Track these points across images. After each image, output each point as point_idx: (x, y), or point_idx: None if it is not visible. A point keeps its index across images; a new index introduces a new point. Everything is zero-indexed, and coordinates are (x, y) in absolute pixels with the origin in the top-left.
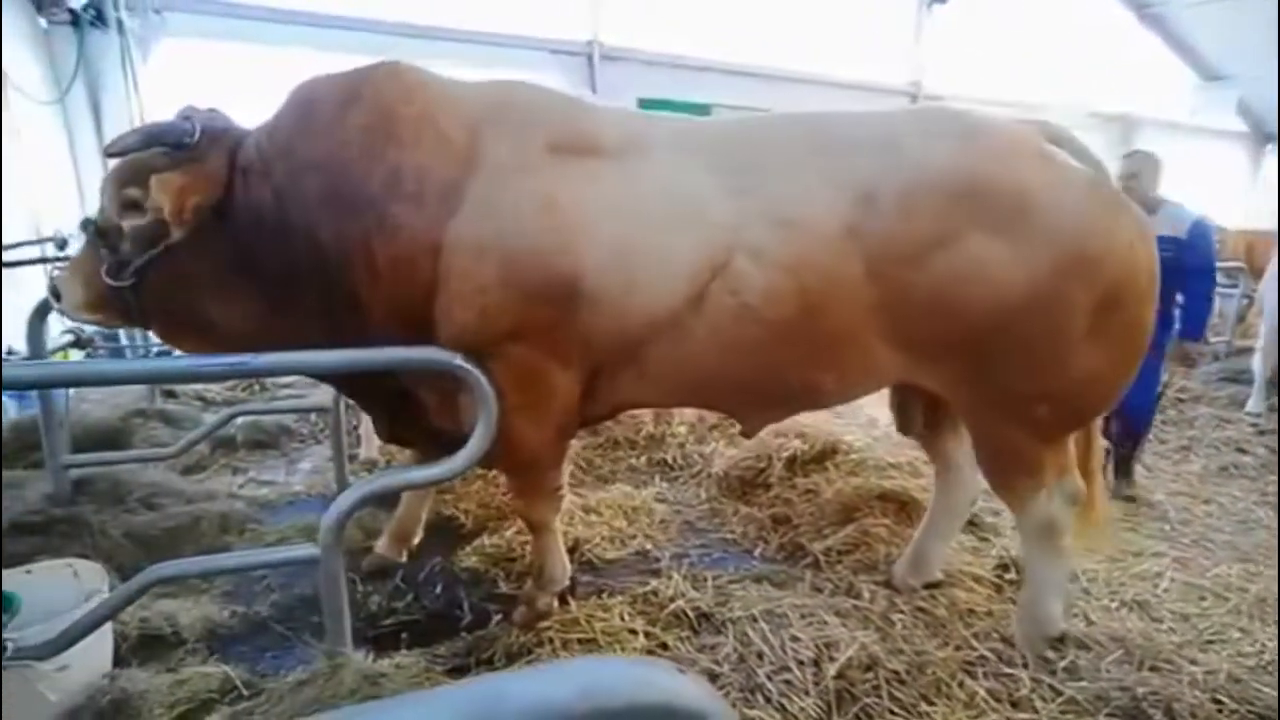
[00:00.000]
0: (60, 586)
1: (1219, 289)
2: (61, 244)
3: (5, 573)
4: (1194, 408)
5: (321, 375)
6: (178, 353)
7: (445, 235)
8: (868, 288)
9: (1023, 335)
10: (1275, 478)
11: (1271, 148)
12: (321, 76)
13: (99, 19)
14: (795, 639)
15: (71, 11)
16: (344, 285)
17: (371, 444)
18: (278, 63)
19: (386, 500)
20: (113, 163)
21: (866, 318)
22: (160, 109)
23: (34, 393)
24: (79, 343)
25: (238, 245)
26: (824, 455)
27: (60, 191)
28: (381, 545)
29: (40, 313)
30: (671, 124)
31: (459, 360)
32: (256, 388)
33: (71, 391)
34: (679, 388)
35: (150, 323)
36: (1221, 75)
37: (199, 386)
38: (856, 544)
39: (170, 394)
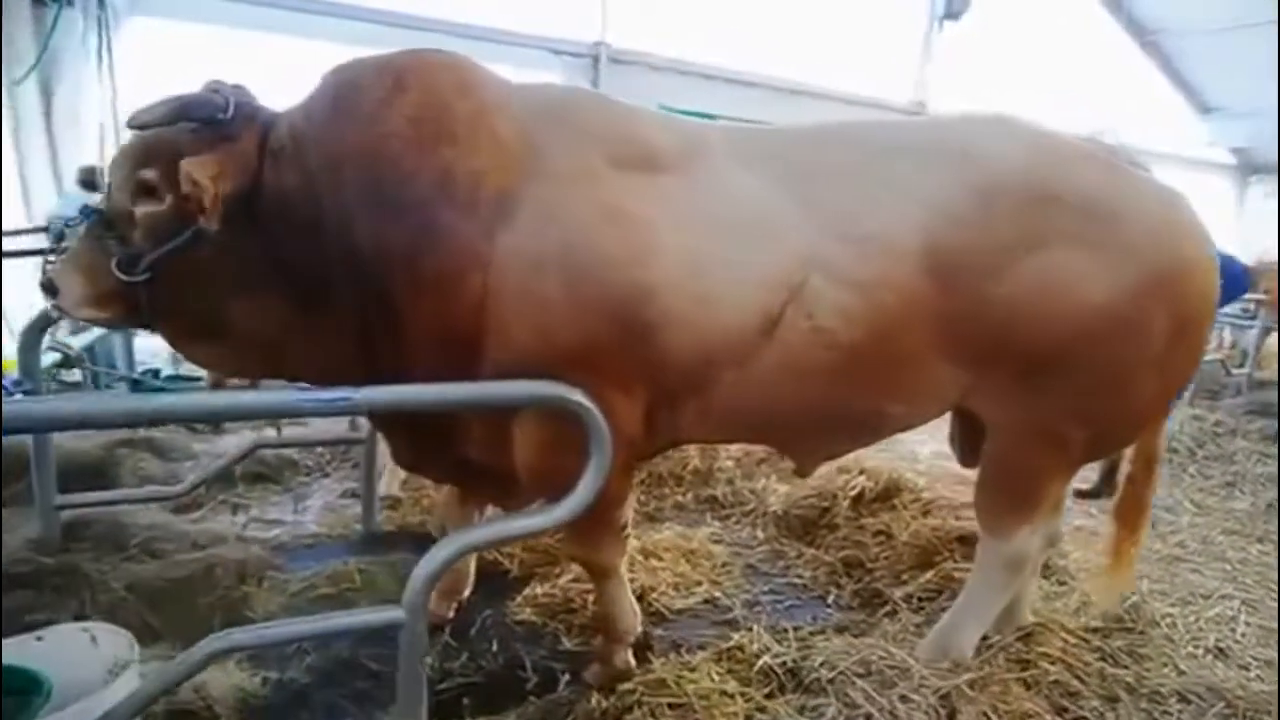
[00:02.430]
0: (80, 656)
1: (1239, 321)
2: (59, 235)
3: (12, 643)
4: (1231, 441)
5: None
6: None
7: (498, 247)
8: (941, 303)
9: (1094, 355)
10: None
11: (1257, 179)
12: (361, 58)
13: None
14: (905, 699)
15: None
16: (380, 295)
17: (395, 479)
18: (259, 48)
19: (418, 542)
20: (117, 140)
21: (936, 336)
22: (128, 92)
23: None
24: (67, 361)
25: (264, 239)
26: (888, 493)
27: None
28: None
29: (37, 328)
30: (729, 131)
31: (578, 396)
32: None
33: None
34: (744, 420)
35: (160, 324)
36: (1213, 107)
37: None
38: (939, 590)
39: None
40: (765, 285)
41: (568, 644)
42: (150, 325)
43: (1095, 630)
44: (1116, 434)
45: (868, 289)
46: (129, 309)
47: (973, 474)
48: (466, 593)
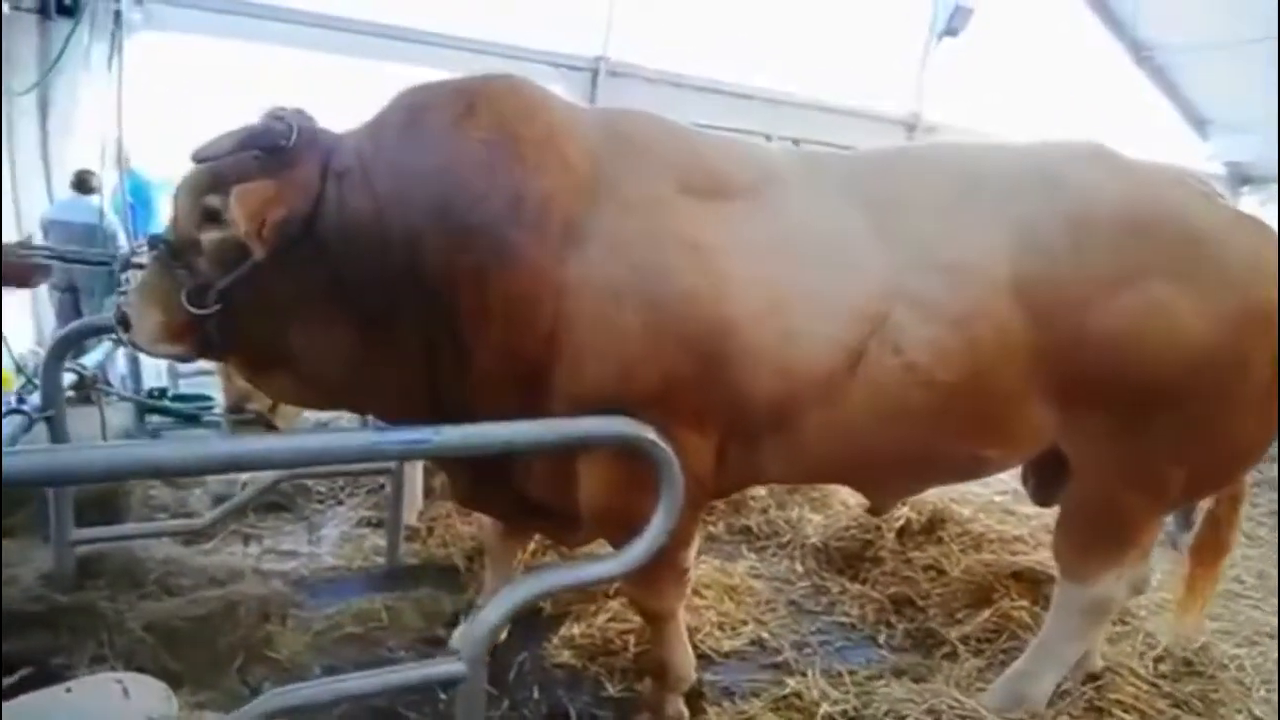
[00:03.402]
0: (113, 712)
1: None
2: (125, 263)
3: (40, 696)
4: (1269, 469)
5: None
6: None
7: (569, 274)
8: (1035, 337)
9: (1193, 392)
10: None
11: (1250, 189)
12: (427, 83)
13: (68, 9)
14: None
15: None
16: (448, 321)
17: (412, 508)
18: (268, 61)
19: (444, 576)
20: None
21: (1031, 373)
22: (136, 106)
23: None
24: (81, 383)
25: (328, 265)
26: (933, 526)
27: None
28: (458, 637)
29: (57, 353)
30: (800, 156)
31: (651, 434)
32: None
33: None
34: (825, 461)
35: (232, 355)
36: (1210, 121)
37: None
38: (997, 630)
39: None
40: (847, 318)
41: (611, 689)
42: (221, 357)
43: (1165, 675)
44: (1215, 474)
45: (959, 322)
46: (201, 341)
47: (1021, 507)
48: (503, 634)
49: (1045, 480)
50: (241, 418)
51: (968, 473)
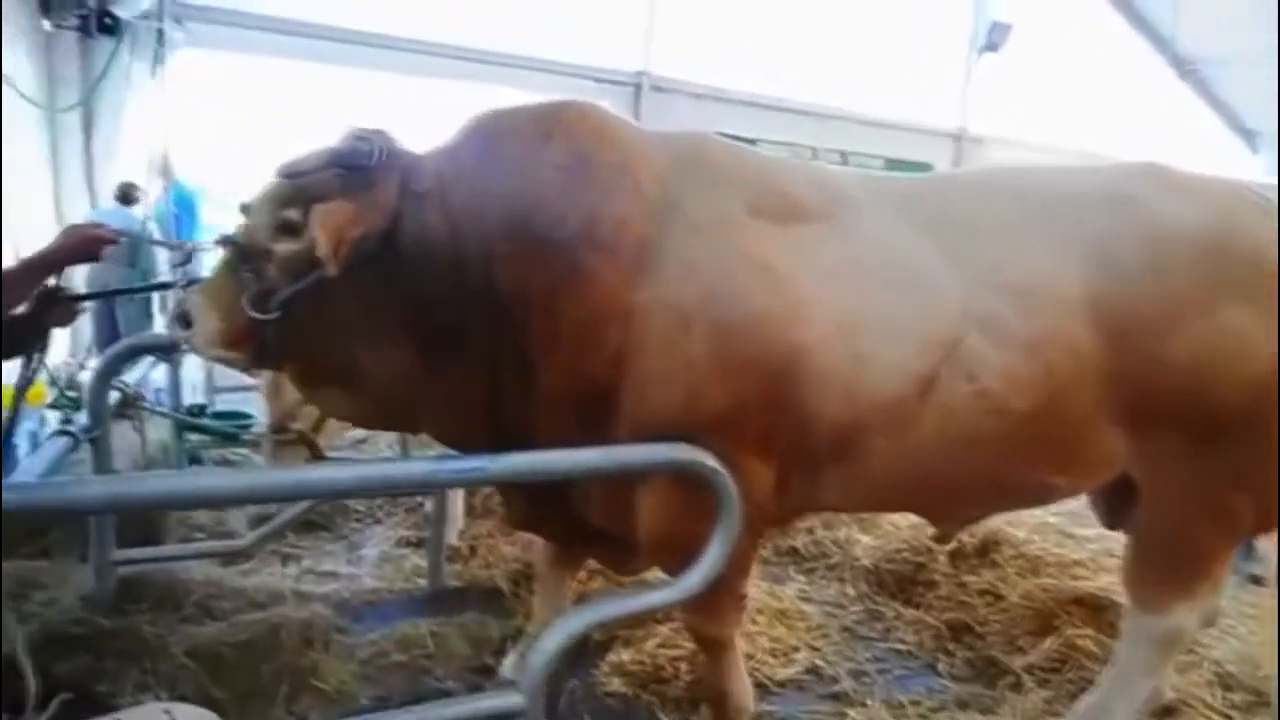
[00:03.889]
0: None
1: None
2: (186, 258)
3: None
4: None
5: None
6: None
7: (639, 298)
8: (1110, 362)
9: (1262, 417)
10: None
11: None
12: (503, 109)
13: (109, 28)
14: None
15: (82, 17)
16: (516, 342)
17: (452, 527)
18: (307, 78)
19: (489, 600)
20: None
21: (1103, 398)
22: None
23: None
24: (124, 401)
25: (399, 283)
26: (987, 548)
27: (35, 206)
28: (510, 666)
29: (106, 373)
30: (869, 179)
31: (711, 462)
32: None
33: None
34: (892, 489)
35: (287, 364)
36: (1255, 132)
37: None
38: (1062, 659)
39: (195, 459)
40: (919, 344)
41: None
42: (276, 366)
43: (1237, 706)
44: None
45: (1033, 347)
46: (258, 348)
47: (1078, 529)
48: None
49: (1115, 504)
50: (284, 437)
51: (1036, 499)
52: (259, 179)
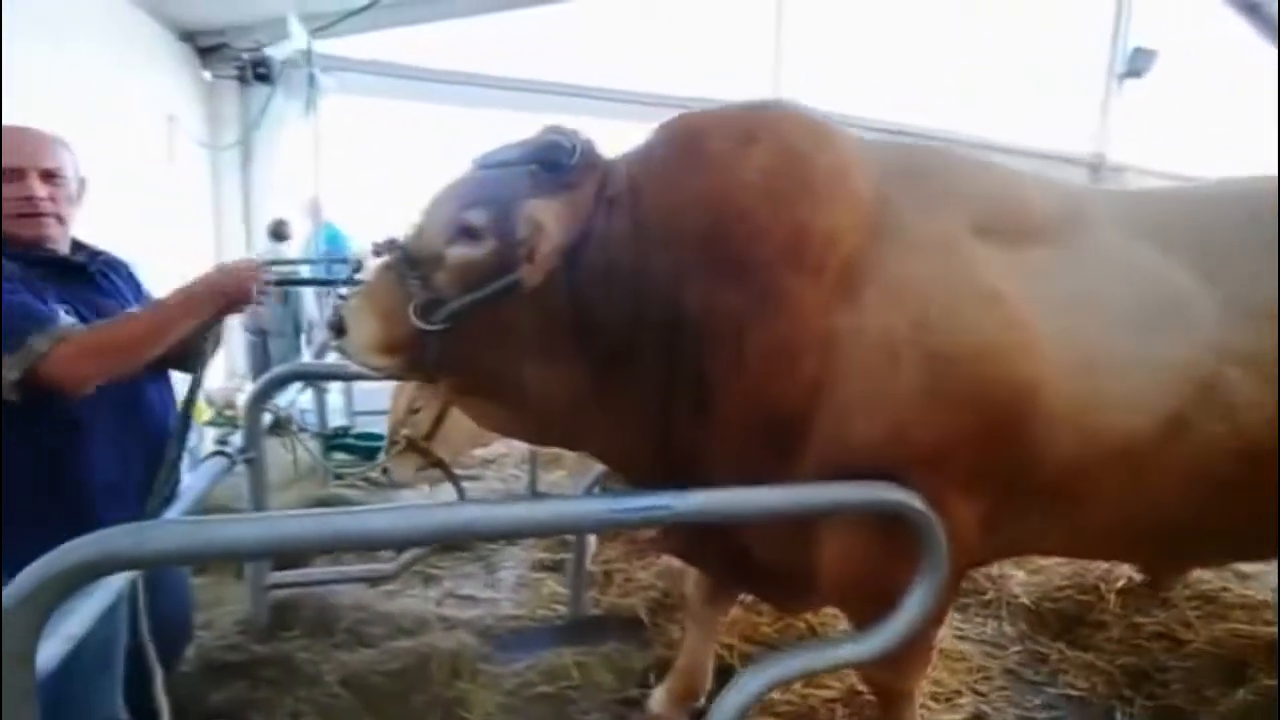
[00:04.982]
0: None
1: None
2: (356, 267)
3: None
4: None
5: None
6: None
7: (842, 321)
8: None
9: None
10: None
11: None
12: (699, 110)
13: (264, 76)
14: None
15: (239, 67)
16: (695, 365)
17: (588, 552)
18: (447, 121)
19: (629, 629)
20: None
21: None
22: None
23: (242, 470)
24: (276, 423)
25: (578, 295)
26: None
27: (198, 238)
28: (658, 701)
29: (261, 396)
30: (1114, 195)
31: (919, 504)
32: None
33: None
34: (1111, 536)
35: (446, 378)
36: None
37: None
38: (1257, 711)
39: (338, 475)
40: (1169, 379)
41: None
42: (431, 378)
43: None
44: None
45: None
46: (414, 359)
47: (1252, 566)
48: (703, 699)
49: None
50: (395, 448)
51: (1272, 552)
52: (394, 220)
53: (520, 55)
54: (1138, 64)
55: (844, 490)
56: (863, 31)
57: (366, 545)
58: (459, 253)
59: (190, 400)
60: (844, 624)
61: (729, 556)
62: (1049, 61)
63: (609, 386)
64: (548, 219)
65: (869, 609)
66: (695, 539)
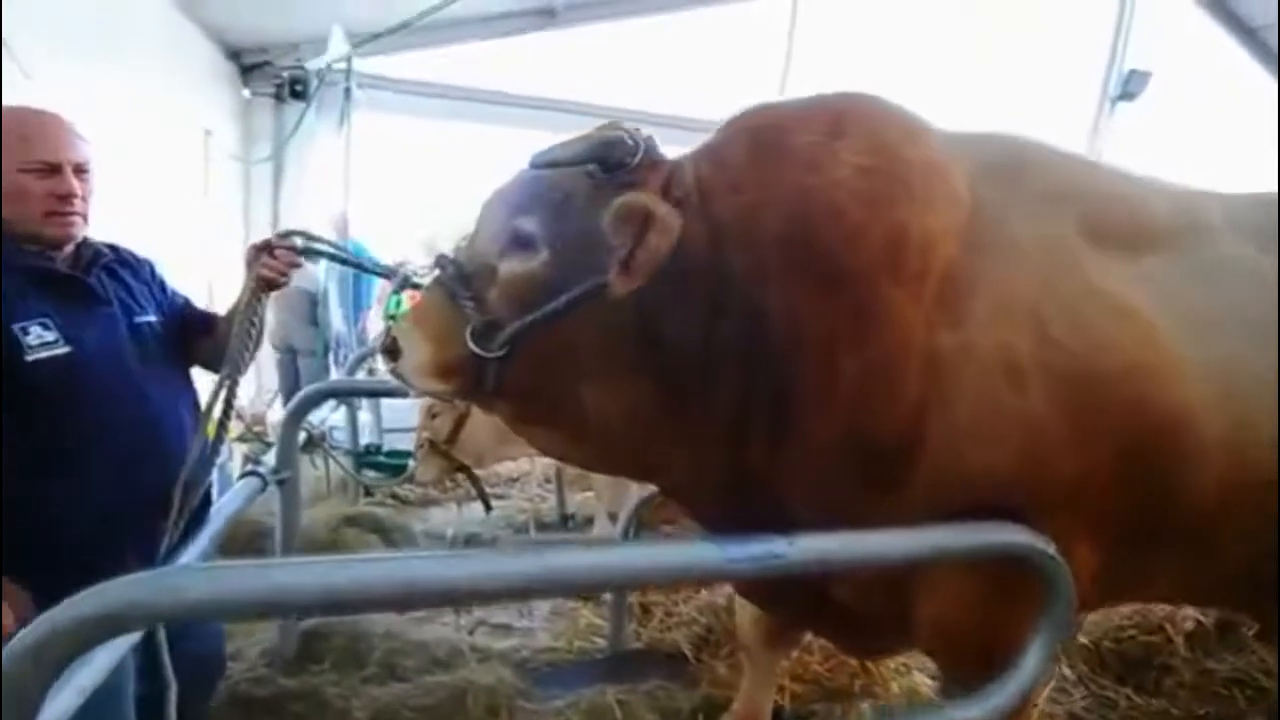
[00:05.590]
0: None
1: None
2: (404, 282)
3: None
4: None
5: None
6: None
7: (946, 339)
8: None
9: None
10: None
11: None
12: (769, 103)
13: (299, 93)
14: None
15: (277, 84)
16: (777, 384)
17: None
18: (473, 138)
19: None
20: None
21: None
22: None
23: (272, 495)
24: (309, 442)
25: (646, 306)
26: (1229, 626)
27: (230, 252)
28: None
29: (296, 415)
30: (1232, 200)
31: (1048, 548)
32: (453, 484)
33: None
34: (1248, 582)
35: (505, 403)
36: None
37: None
38: None
39: (368, 491)
40: None
41: None
42: (490, 403)
43: None
44: None
45: None
46: (473, 382)
47: None
48: None
49: None
50: (423, 451)
51: None
52: (419, 238)
53: (553, 76)
54: (1132, 86)
55: (967, 534)
56: (866, 61)
57: (444, 599)
58: (512, 267)
59: (213, 413)
60: (894, 661)
61: (806, 597)
62: (1041, 83)
63: (678, 409)
64: (662, 211)
65: (969, 658)
66: (775, 583)
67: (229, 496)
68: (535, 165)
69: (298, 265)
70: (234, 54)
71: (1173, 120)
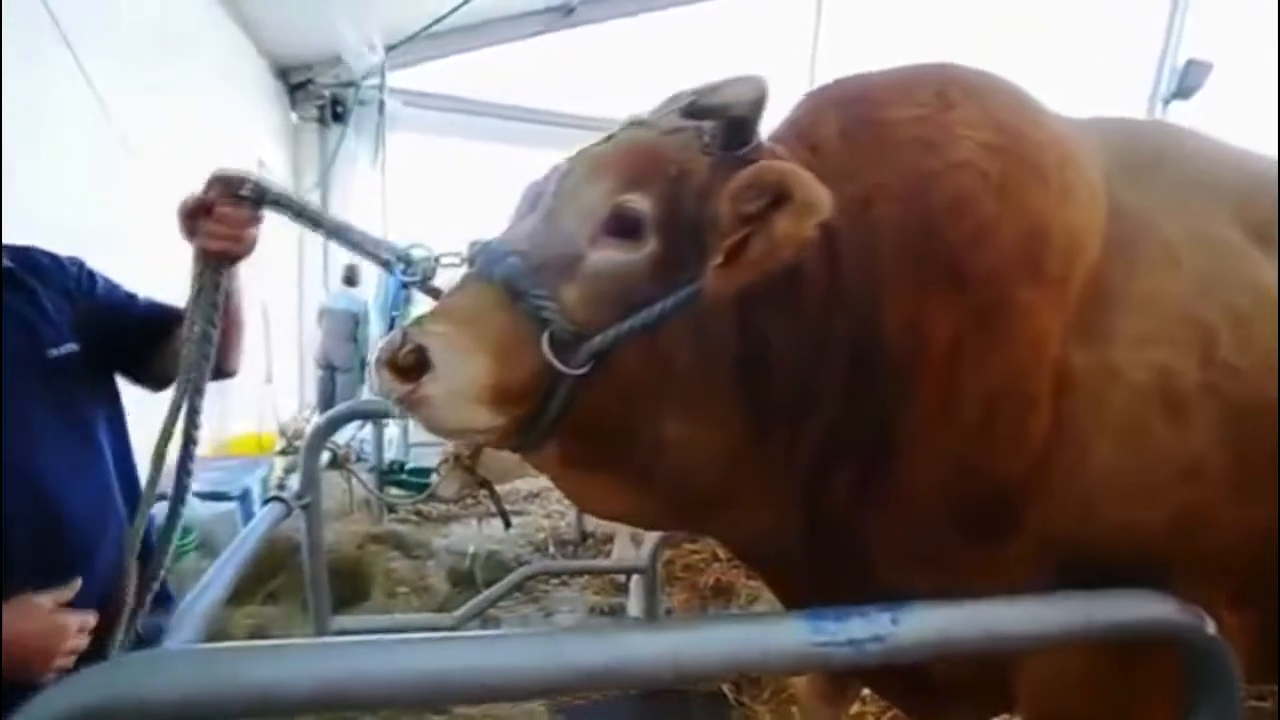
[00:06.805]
0: None
1: None
2: (428, 275)
3: None
4: None
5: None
6: None
7: (1080, 358)
8: None
9: None
10: None
11: None
12: (848, 76)
13: (340, 116)
14: None
15: (319, 109)
16: (879, 411)
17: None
18: (501, 159)
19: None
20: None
21: None
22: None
23: (299, 512)
24: (334, 460)
25: (750, 318)
26: None
27: (282, 279)
28: None
29: (318, 439)
30: None
31: (1210, 629)
32: (473, 500)
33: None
34: None
35: (562, 443)
36: None
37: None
38: None
39: (391, 508)
40: None
41: None
42: (537, 444)
43: None
44: None
45: None
46: (535, 414)
47: None
48: None
49: None
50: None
51: None
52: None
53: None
54: (1188, 82)
55: (1117, 607)
56: (900, 56)
57: (511, 693)
58: (609, 258)
59: (169, 435)
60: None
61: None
62: (1092, 82)
63: (761, 450)
64: (806, 191)
65: None
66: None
67: (254, 523)
68: (688, 113)
69: (255, 222)
70: (282, 72)
71: (1236, 119)
